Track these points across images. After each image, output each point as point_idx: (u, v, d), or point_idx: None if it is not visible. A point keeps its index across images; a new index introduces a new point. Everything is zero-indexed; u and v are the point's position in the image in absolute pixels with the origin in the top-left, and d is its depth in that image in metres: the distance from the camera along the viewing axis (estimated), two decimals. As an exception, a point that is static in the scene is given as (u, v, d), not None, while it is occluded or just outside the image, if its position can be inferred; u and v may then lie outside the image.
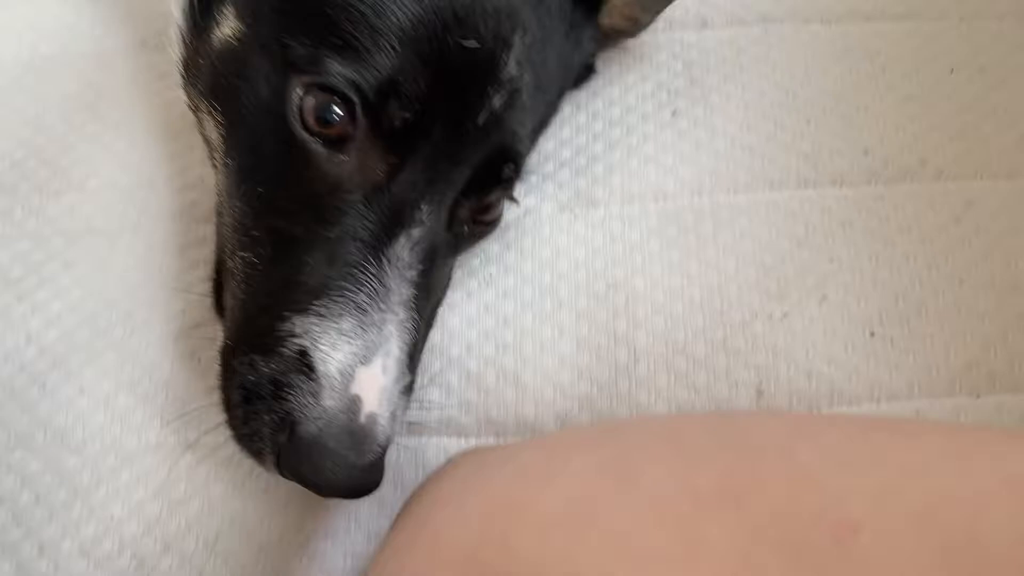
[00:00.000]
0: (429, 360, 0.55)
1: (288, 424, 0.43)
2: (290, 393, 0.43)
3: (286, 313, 0.45)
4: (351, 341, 0.44)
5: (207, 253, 0.55)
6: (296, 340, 0.44)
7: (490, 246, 0.59)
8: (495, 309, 0.57)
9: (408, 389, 0.48)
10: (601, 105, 0.64)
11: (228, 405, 0.46)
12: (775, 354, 0.55)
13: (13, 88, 0.64)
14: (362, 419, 0.44)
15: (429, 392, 0.54)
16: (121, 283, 0.57)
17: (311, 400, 0.43)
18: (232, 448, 0.52)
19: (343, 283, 0.45)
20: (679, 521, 0.33)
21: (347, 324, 0.45)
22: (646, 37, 0.66)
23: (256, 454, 0.45)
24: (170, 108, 0.59)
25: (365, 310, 0.45)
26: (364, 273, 0.46)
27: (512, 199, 0.56)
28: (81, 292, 0.57)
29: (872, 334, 0.56)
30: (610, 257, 0.58)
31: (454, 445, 0.53)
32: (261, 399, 0.44)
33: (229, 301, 0.49)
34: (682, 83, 0.64)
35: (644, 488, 0.36)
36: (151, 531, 0.51)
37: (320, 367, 0.43)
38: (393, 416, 0.45)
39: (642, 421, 0.51)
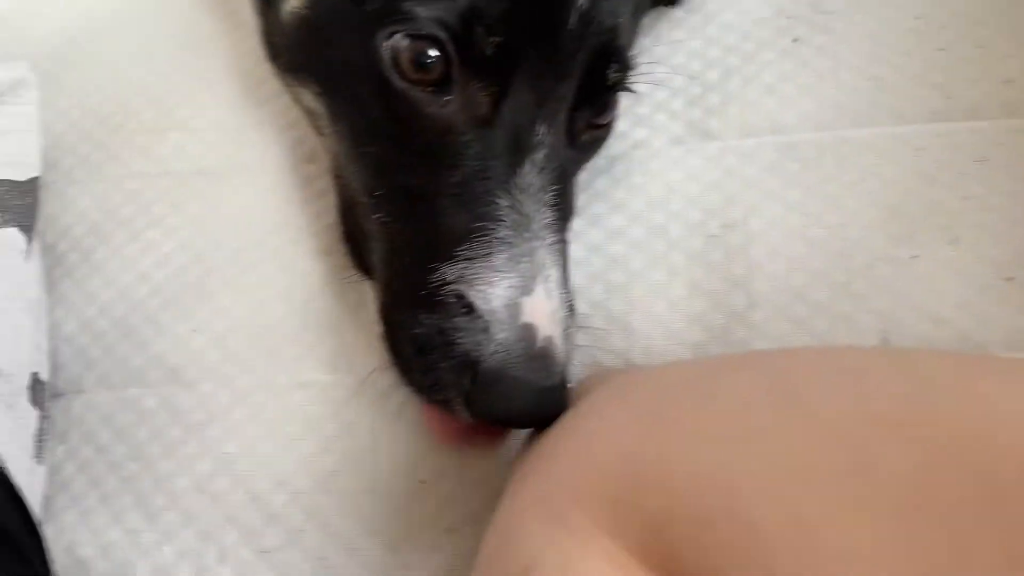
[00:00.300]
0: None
1: (470, 367, 0.42)
2: (462, 338, 0.43)
3: (434, 264, 0.44)
4: (507, 275, 0.44)
5: (313, 192, 0.55)
6: (452, 287, 0.43)
7: (597, 182, 0.57)
8: (603, 250, 0.55)
9: (571, 309, 0.47)
10: (716, 31, 0.61)
11: (401, 362, 0.46)
12: (901, 299, 0.52)
13: (117, 28, 0.65)
14: (540, 344, 0.43)
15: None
16: (230, 223, 0.57)
17: (485, 338, 0.42)
18: (343, 390, 0.52)
19: (482, 223, 0.45)
20: (849, 442, 0.32)
21: (498, 260, 0.44)
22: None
23: (443, 403, 0.44)
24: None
25: (511, 243, 0.44)
26: (500, 208, 0.45)
27: (629, 90, 0.53)
28: (191, 231, 0.58)
29: (1010, 279, 0.52)
30: (725, 195, 0.55)
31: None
32: (434, 351, 0.43)
33: (375, 262, 0.49)
34: (804, 8, 0.60)
35: (809, 408, 0.34)
36: (264, 468, 0.51)
37: (482, 306, 0.43)
38: (566, 337, 0.45)
39: (803, 349, 0.49)
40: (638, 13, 0.56)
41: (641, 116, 0.59)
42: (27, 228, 0.49)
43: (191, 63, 0.62)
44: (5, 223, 0.47)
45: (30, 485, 0.47)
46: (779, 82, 0.58)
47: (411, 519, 0.49)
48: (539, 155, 0.47)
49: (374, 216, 0.48)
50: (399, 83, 0.45)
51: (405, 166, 0.47)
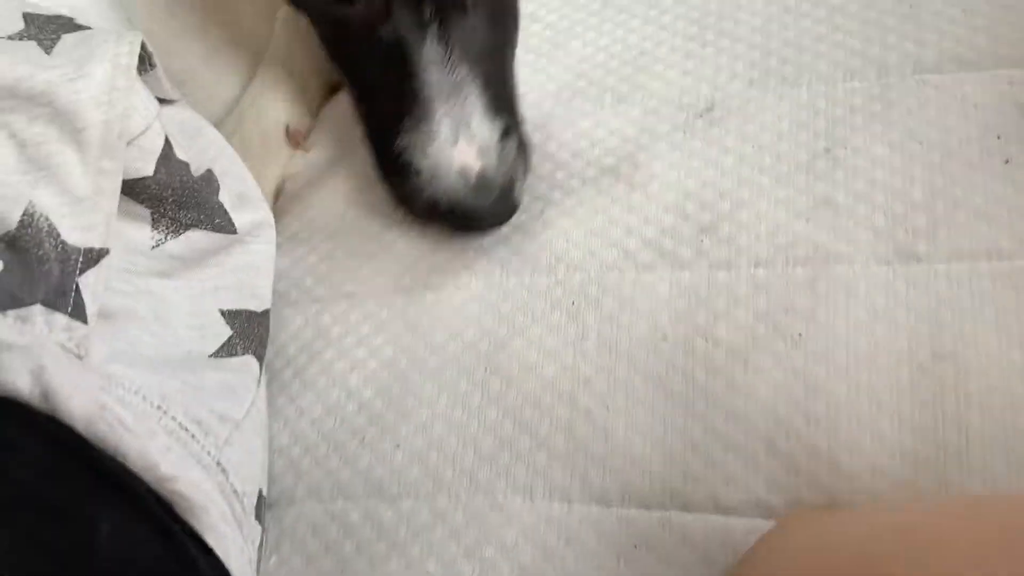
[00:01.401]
0: (726, 427, 0.53)
1: (436, 210, 0.59)
2: (422, 192, 0.59)
3: (392, 138, 0.58)
4: (435, 136, 0.56)
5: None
6: (403, 157, 0.58)
7: (798, 298, 0.55)
8: (804, 375, 0.53)
9: (507, 132, 0.58)
10: (917, 148, 0.58)
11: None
12: None
13: (332, 176, 0.70)
14: (475, 178, 0.56)
15: (732, 465, 0.52)
16: (428, 340, 0.60)
17: (433, 188, 0.57)
18: (536, 516, 0.53)
19: (409, 99, 0.57)
20: None
21: (426, 127, 0.56)
22: (965, 75, 0.60)
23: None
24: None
25: (433, 108, 0.56)
26: (417, 82, 0.57)
27: None
28: (393, 350, 0.61)
29: None
30: (936, 323, 0.52)
31: (762, 527, 0.50)
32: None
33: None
34: (1013, 128, 0.57)
35: None
36: (465, 590, 0.53)
37: (425, 166, 0.57)
38: (501, 159, 0.57)
39: (1018, 495, 0.46)
40: None
41: (841, 229, 0.57)
42: (260, 356, 0.53)
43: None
44: (244, 351, 0.52)
45: (250, 595, 0.50)
46: (991, 205, 0.55)
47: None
48: (433, 28, 0.57)
49: (358, 107, 0.64)
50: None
51: (358, 66, 0.62)
